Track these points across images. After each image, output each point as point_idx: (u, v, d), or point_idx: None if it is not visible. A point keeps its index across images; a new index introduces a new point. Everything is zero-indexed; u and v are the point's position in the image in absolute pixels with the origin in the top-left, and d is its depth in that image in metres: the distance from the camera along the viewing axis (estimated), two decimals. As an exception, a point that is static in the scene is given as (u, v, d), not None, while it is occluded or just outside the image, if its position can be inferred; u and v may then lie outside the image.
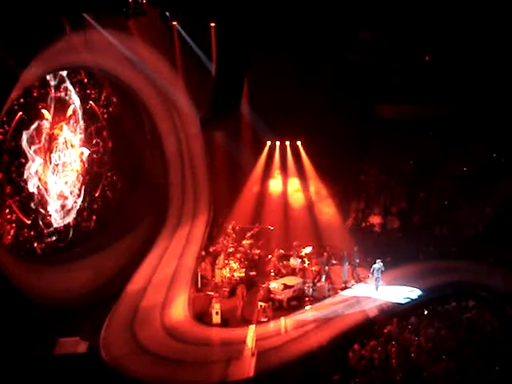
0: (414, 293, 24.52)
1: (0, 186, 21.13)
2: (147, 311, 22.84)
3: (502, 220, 27.58)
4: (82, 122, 25.50)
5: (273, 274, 26.30)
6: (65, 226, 24.76)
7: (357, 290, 25.58)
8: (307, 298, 24.38)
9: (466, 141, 29.08)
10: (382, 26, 27.29)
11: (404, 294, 24.63)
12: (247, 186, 30.55)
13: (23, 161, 22.11)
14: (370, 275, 25.42)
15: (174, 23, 26.26)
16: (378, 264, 25.05)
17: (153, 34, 25.21)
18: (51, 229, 23.99)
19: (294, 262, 25.26)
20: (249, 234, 28.64)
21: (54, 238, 24.17)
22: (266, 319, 22.89)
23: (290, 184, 30.89)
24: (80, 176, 25.62)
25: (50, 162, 23.64)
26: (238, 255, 26.68)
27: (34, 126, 22.56)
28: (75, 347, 20.21)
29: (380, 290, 24.96)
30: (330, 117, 28.34)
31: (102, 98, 26.64)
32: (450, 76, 27.83)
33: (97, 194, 26.84)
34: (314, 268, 26.12)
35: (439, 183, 29.26)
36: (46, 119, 23.21)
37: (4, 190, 21.37)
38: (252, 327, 21.79)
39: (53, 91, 23.49)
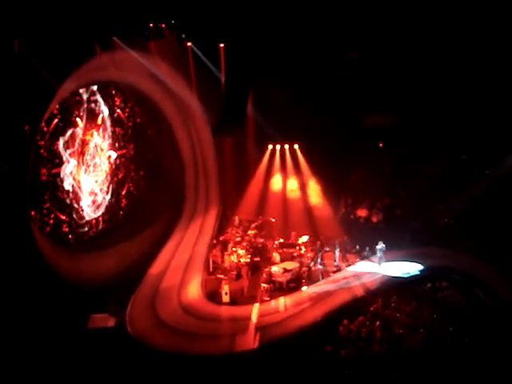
0: (412, 268, 24.89)
1: (39, 185, 21.23)
2: (166, 291, 22.99)
3: (469, 213, 27.70)
4: (109, 129, 25.58)
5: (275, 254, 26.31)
6: (95, 218, 24.88)
7: (363, 266, 25.89)
8: (304, 280, 24.40)
9: (439, 145, 29.09)
10: (367, 48, 27.40)
11: (402, 269, 24.97)
12: (252, 184, 30.54)
13: (58, 162, 22.17)
14: (375, 255, 25.81)
15: (189, 44, 26.40)
16: (381, 245, 25.44)
17: (170, 53, 25.34)
18: (84, 221, 24.10)
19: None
20: (253, 225, 28.71)
21: (85, 229, 24.24)
22: (268, 298, 23.03)
23: (288, 182, 30.90)
24: (108, 176, 25.71)
25: (83, 164, 23.76)
26: (244, 243, 26.82)
27: (69, 132, 22.61)
28: (105, 322, 20.46)
29: (382, 266, 25.33)
30: (324, 125, 28.35)
31: (128, 108, 26.65)
32: (426, 89, 27.86)
33: (123, 192, 26.91)
34: (309, 254, 26.27)
35: (416, 182, 29.22)
36: (79, 127, 23.31)
37: (43, 188, 21.48)
38: (256, 305, 21.92)
39: (85, 103, 23.60)
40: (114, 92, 25.65)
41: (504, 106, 26.56)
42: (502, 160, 27.24)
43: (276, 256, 25.92)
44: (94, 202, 24.80)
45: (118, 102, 26.05)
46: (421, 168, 29.26)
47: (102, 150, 25.10)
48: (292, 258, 26.02)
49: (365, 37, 26.38)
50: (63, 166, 22.45)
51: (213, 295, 23.28)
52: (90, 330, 20.00)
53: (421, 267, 24.89)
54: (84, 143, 23.77)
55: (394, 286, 23.39)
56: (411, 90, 28.11)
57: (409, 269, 24.93)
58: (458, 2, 24.51)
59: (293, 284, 24.15)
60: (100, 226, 25.31)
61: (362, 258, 26.57)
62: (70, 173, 22.92)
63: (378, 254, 25.52)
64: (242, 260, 25.53)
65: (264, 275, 24.30)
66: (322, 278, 24.77)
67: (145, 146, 27.76)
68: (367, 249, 26.85)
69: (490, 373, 16.85)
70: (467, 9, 24.18)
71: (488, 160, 28.18)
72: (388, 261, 25.57)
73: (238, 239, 27.28)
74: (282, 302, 22.59)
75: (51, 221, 21.98)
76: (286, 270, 24.34)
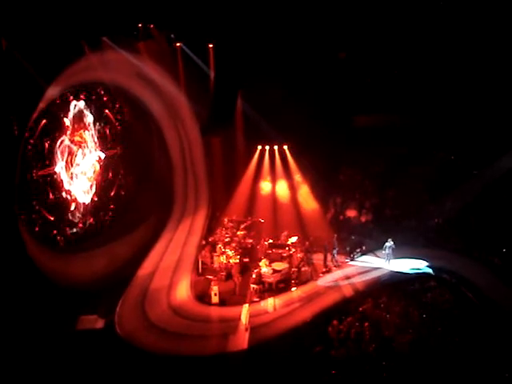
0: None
1: (27, 186, 21.13)
2: (155, 292, 23.10)
3: (459, 214, 27.91)
4: (98, 130, 25.49)
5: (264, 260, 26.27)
6: (85, 220, 24.74)
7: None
8: (293, 281, 24.50)
9: (428, 146, 29.24)
10: (356, 49, 27.57)
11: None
12: (241, 185, 30.64)
13: (46, 162, 22.08)
14: (383, 251, 26.11)
15: (178, 44, 26.41)
16: (389, 242, 25.80)
17: (159, 53, 25.37)
18: (72, 223, 23.93)
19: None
20: (242, 226, 28.78)
21: (74, 230, 24.16)
22: (257, 299, 23.13)
23: (277, 182, 30.98)
24: (97, 177, 25.57)
25: (72, 165, 23.63)
26: (234, 244, 26.85)
27: (58, 133, 22.60)
28: (94, 324, 20.47)
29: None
30: (313, 125, 28.35)
31: (116, 108, 26.60)
32: (415, 90, 28.01)
33: (112, 193, 26.85)
34: (299, 255, 26.28)
35: (406, 182, 29.37)
36: (68, 127, 23.26)
37: (31, 189, 21.37)
38: (246, 306, 21.95)
39: (73, 103, 23.55)
40: (102, 92, 25.57)
41: (494, 108, 26.76)
42: (492, 161, 27.39)
43: (263, 264, 25.11)
44: (82, 203, 24.70)
45: (106, 102, 25.97)
46: (410, 168, 29.39)
47: (90, 150, 25.04)
48: (281, 259, 25.98)
49: (355, 37, 26.49)
50: (52, 167, 22.39)
51: (202, 296, 23.38)
52: (79, 331, 19.97)
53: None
54: (73, 144, 23.71)
55: (384, 286, 23.50)
56: (401, 91, 28.28)
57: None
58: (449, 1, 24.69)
59: (282, 285, 24.27)
60: (89, 228, 25.20)
61: (352, 259, 26.73)
62: (59, 173, 22.87)
63: (387, 250, 25.90)
64: (231, 261, 25.52)
65: (253, 276, 24.34)
66: (312, 279, 24.88)
67: (134, 146, 27.69)
68: (357, 250, 27.05)
69: (478, 372, 16.98)
70: (457, 10, 24.36)
71: (477, 161, 28.34)
72: (396, 258, 25.92)
73: (227, 240, 27.29)
74: (271, 302, 22.65)
75: (40, 222, 21.92)
76: (275, 271, 24.42)
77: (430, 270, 24.81)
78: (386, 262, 25.83)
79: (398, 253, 26.07)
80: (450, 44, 25.45)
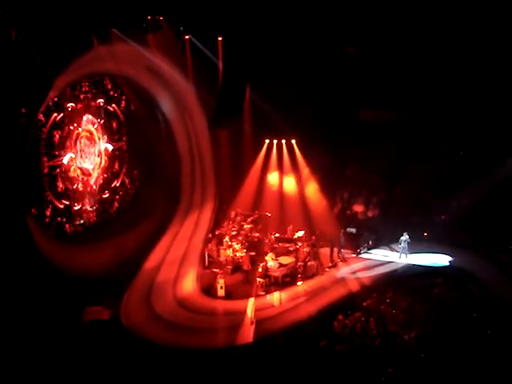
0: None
1: (36, 177, 21.32)
2: (162, 285, 23.18)
3: (466, 210, 27.90)
4: (106, 122, 25.59)
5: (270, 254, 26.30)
6: (92, 211, 24.95)
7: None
8: (299, 275, 24.55)
9: (436, 141, 29.14)
10: (364, 44, 27.48)
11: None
12: (248, 178, 30.56)
13: (55, 154, 22.34)
14: (398, 245, 26.39)
15: (187, 37, 26.41)
16: (405, 236, 25.97)
17: (168, 46, 25.35)
18: (80, 213, 24.16)
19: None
20: (249, 220, 28.74)
21: (82, 222, 24.36)
22: (263, 293, 23.19)
23: (285, 177, 30.92)
24: (104, 168, 25.70)
25: (80, 156, 23.76)
26: (240, 238, 26.88)
27: (66, 124, 22.78)
28: (100, 315, 20.58)
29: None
30: (320, 120, 28.33)
31: (123, 100, 26.66)
32: (423, 84, 27.89)
33: (119, 185, 26.96)
34: (305, 249, 26.33)
35: (413, 178, 29.27)
36: (76, 119, 23.39)
37: (39, 180, 21.59)
38: (251, 300, 22.04)
39: (82, 95, 23.66)
40: (110, 84, 25.65)
41: (501, 103, 26.61)
42: (501, 158, 27.29)
43: (269, 258, 25.22)
44: (91, 194, 24.88)
45: (114, 94, 26.04)
46: (418, 164, 29.27)
47: (97, 142, 25.12)
48: (288, 253, 26.05)
49: (362, 32, 26.38)
50: (60, 158, 22.55)
51: (208, 289, 23.45)
52: (85, 322, 20.09)
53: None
54: (81, 135, 23.83)
55: (390, 281, 23.56)
56: (408, 85, 28.14)
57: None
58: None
59: (288, 279, 24.32)
60: (97, 219, 25.39)
61: (358, 254, 26.78)
62: (68, 165, 23.04)
63: (402, 244, 26.04)
64: (238, 254, 25.59)
65: (260, 270, 24.39)
66: (318, 273, 24.93)
67: (141, 139, 27.72)
68: (364, 244, 27.08)
69: (483, 369, 17.00)
70: (465, 4, 24.23)
71: (486, 157, 28.23)
72: (412, 252, 26.10)
73: (233, 233, 27.31)
74: (277, 296, 22.73)
75: (49, 213, 22.13)
76: (281, 265, 24.47)
77: (436, 266, 24.85)
78: (402, 256, 26.01)
79: (411, 247, 26.23)
80: (463, 36, 25.22)
